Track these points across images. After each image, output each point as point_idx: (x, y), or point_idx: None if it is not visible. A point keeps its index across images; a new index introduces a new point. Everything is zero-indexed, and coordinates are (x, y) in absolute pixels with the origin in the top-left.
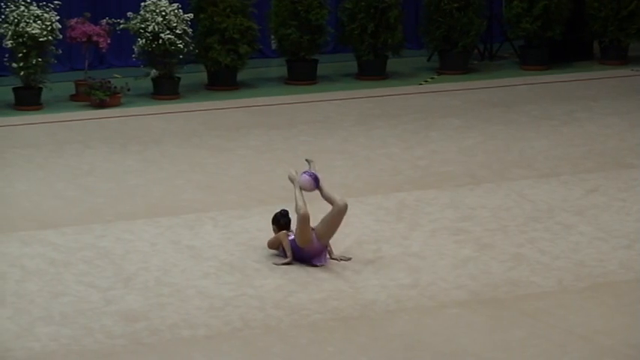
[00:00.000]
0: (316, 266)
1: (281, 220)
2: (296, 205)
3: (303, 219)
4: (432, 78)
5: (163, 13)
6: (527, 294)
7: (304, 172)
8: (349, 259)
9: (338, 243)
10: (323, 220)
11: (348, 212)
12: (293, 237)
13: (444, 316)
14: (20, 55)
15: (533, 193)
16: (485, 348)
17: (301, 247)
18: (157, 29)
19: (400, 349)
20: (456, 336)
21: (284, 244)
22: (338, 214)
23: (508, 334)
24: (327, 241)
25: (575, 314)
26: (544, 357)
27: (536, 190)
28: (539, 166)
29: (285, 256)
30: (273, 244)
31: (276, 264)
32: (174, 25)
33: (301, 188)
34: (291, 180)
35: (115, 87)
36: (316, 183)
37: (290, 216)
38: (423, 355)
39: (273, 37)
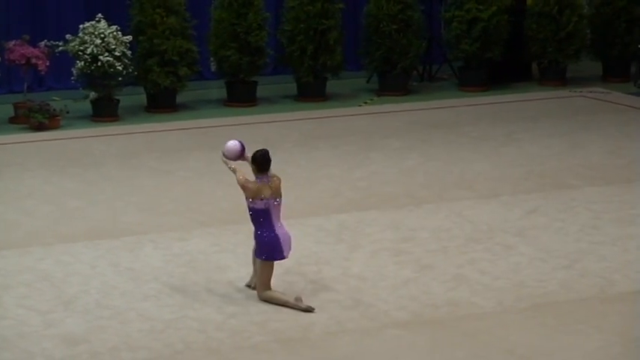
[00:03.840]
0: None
1: (258, 159)
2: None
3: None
4: (371, 99)
5: (102, 36)
6: (467, 314)
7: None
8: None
9: (277, 264)
10: None
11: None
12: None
13: (385, 338)
14: None
15: (474, 214)
16: None
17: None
18: (95, 51)
19: None
20: (398, 357)
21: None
22: None
23: (449, 355)
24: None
25: (515, 334)
26: None
27: (477, 210)
28: (479, 187)
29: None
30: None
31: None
32: (113, 47)
33: (225, 154)
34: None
35: (54, 109)
36: (242, 151)
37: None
38: None
39: (212, 59)
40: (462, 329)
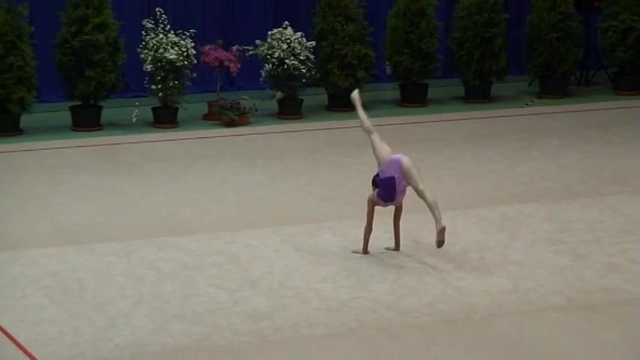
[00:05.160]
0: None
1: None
2: (363, 125)
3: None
4: (532, 101)
5: (288, 41)
6: (619, 300)
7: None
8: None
9: (444, 250)
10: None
11: (455, 223)
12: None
13: (542, 320)
14: (159, 78)
15: (626, 207)
16: (580, 349)
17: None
18: (282, 55)
19: (501, 350)
20: (554, 338)
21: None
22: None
23: (601, 337)
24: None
25: None
26: (635, 359)
27: (629, 204)
28: (631, 182)
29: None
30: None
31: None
32: (298, 51)
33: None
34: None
35: (244, 107)
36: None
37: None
38: (522, 356)
39: (387, 63)
40: (613, 314)
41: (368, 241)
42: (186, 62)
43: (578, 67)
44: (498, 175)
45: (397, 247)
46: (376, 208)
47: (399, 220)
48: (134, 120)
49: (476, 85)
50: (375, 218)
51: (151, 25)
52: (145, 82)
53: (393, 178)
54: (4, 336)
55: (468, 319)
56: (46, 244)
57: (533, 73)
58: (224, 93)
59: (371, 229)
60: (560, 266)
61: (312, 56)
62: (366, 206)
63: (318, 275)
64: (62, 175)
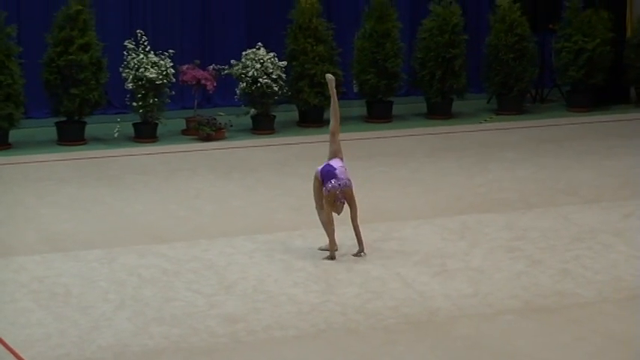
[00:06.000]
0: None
1: None
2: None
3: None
4: (490, 117)
5: (261, 61)
6: (572, 303)
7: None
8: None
9: (408, 257)
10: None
11: (418, 232)
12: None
13: (500, 322)
14: (139, 95)
15: (578, 217)
16: (536, 349)
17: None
18: (255, 74)
19: (462, 350)
20: (511, 339)
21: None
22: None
23: (556, 338)
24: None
25: (614, 321)
26: (587, 358)
27: (581, 214)
28: (583, 193)
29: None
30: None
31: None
32: (271, 70)
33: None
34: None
35: (220, 123)
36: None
37: None
38: (482, 355)
39: (355, 81)
40: (566, 316)
41: (334, 241)
42: (165, 81)
43: (533, 85)
44: (458, 187)
45: (361, 248)
46: (337, 217)
47: (356, 219)
48: (116, 135)
49: (437, 102)
50: (339, 223)
51: (132, 46)
52: (127, 99)
53: (328, 164)
54: None
55: (430, 322)
56: (33, 252)
57: (491, 91)
58: (201, 109)
59: (333, 228)
60: (517, 272)
61: (283, 75)
62: (325, 207)
63: (289, 280)
64: (48, 186)
